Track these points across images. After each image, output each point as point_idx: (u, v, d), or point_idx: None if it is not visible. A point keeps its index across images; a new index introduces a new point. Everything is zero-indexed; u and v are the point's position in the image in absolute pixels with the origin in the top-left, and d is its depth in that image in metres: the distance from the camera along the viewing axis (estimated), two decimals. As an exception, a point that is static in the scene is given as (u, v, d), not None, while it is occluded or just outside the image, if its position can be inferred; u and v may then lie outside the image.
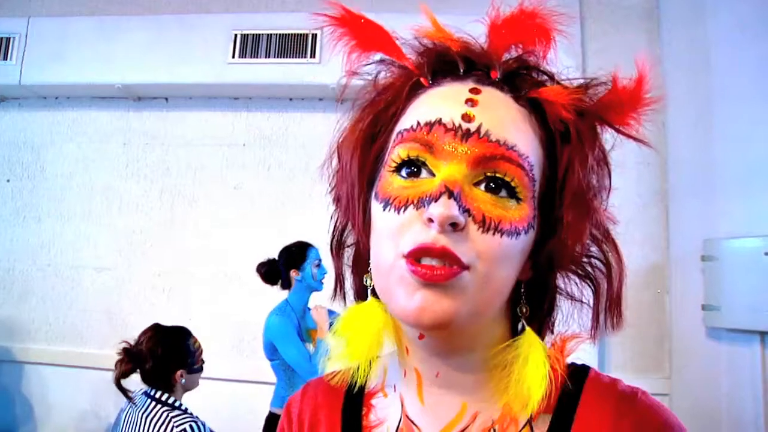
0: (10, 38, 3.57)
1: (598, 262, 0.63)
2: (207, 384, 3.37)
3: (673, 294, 3.25)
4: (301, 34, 3.42)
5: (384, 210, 0.57)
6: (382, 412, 0.66)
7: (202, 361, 2.29)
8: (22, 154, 3.80)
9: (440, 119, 0.56)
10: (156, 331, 2.19)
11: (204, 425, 2.04)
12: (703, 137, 3.01)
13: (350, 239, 0.69)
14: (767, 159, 2.62)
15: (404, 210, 0.55)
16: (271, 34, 3.46)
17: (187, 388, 2.20)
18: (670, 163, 3.33)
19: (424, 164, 0.56)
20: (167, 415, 2.02)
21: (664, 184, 3.35)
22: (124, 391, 2.05)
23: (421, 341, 0.59)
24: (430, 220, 0.52)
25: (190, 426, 1.99)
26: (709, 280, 2.87)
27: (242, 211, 3.59)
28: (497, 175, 0.55)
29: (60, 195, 3.73)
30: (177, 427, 1.98)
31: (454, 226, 0.52)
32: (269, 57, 3.43)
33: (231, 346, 3.47)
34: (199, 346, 2.27)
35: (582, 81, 0.61)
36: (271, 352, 2.77)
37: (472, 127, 0.55)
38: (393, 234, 0.55)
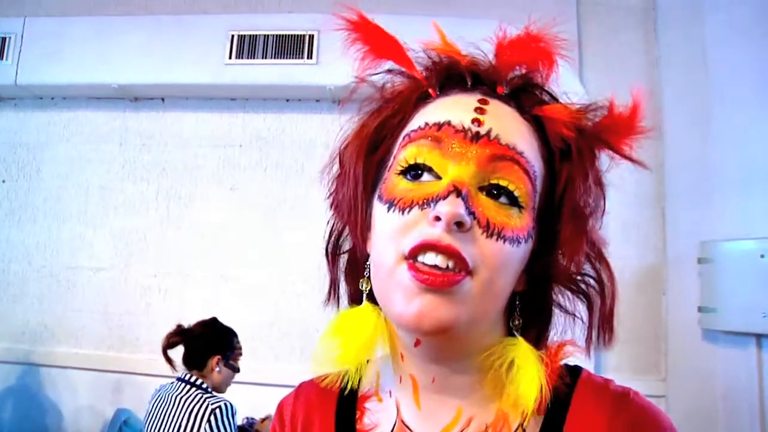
0: (6, 38, 3.56)
1: (591, 280, 0.64)
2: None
3: (669, 296, 3.25)
4: (298, 35, 3.41)
5: (388, 211, 0.57)
6: (376, 416, 0.66)
7: (238, 365, 2.48)
8: (17, 154, 3.78)
9: (449, 121, 0.58)
10: (210, 320, 2.44)
11: (234, 408, 2.20)
12: (700, 139, 3.02)
13: (346, 245, 0.70)
14: (764, 161, 2.62)
15: (409, 211, 0.55)
16: (268, 35, 3.45)
17: (218, 382, 2.34)
18: (666, 165, 3.33)
19: (430, 169, 0.57)
20: (201, 396, 2.19)
21: (661, 186, 3.35)
22: (170, 360, 2.26)
23: (417, 348, 0.59)
24: (437, 219, 0.53)
25: (225, 405, 2.17)
26: (706, 283, 2.88)
27: (239, 213, 3.58)
28: (501, 183, 0.56)
29: (56, 195, 3.72)
30: (212, 404, 2.15)
31: (460, 226, 0.53)
32: (266, 58, 3.43)
33: (227, 348, 3.46)
34: (241, 348, 2.49)
35: (583, 104, 0.63)
36: None
37: (482, 130, 0.57)
38: (395, 234, 0.56)
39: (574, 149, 0.60)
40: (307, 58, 3.39)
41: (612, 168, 0.65)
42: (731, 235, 2.74)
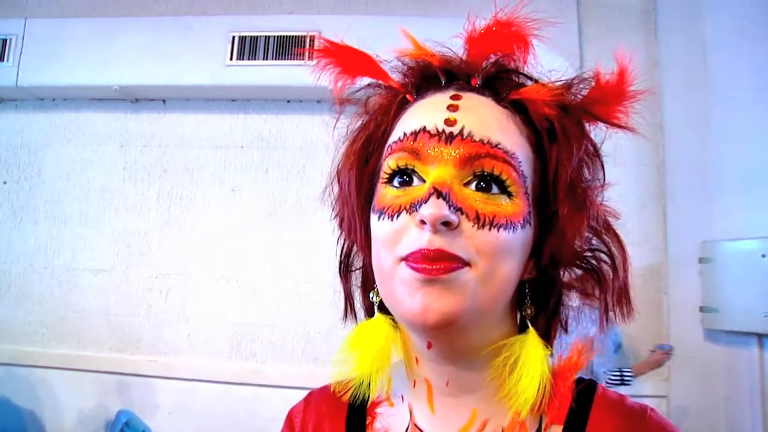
0: (6, 39, 3.56)
1: (602, 255, 0.64)
2: (204, 386, 3.38)
3: (671, 296, 3.25)
4: (298, 36, 3.41)
5: (379, 219, 0.58)
6: (387, 420, 0.67)
7: None
8: (18, 155, 3.79)
9: (424, 127, 0.58)
10: None
11: None
12: (701, 139, 3.02)
13: (357, 262, 0.71)
14: (765, 161, 2.62)
15: (397, 216, 0.56)
16: (269, 36, 3.45)
17: None
18: (667, 164, 3.34)
19: (414, 172, 0.58)
20: None
21: (662, 186, 3.35)
22: None
23: (429, 350, 0.60)
24: (423, 222, 0.53)
25: None
26: (707, 282, 2.88)
27: (240, 214, 3.58)
28: (485, 171, 0.56)
29: (57, 197, 3.72)
30: None
31: (448, 225, 0.53)
32: (267, 59, 3.43)
33: (229, 349, 3.46)
34: None
35: (565, 80, 0.62)
36: None
37: (455, 130, 0.57)
38: (389, 240, 0.56)
39: (558, 128, 0.60)
40: (308, 59, 3.38)
41: (615, 147, 0.63)
42: (732, 235, 2.75)
